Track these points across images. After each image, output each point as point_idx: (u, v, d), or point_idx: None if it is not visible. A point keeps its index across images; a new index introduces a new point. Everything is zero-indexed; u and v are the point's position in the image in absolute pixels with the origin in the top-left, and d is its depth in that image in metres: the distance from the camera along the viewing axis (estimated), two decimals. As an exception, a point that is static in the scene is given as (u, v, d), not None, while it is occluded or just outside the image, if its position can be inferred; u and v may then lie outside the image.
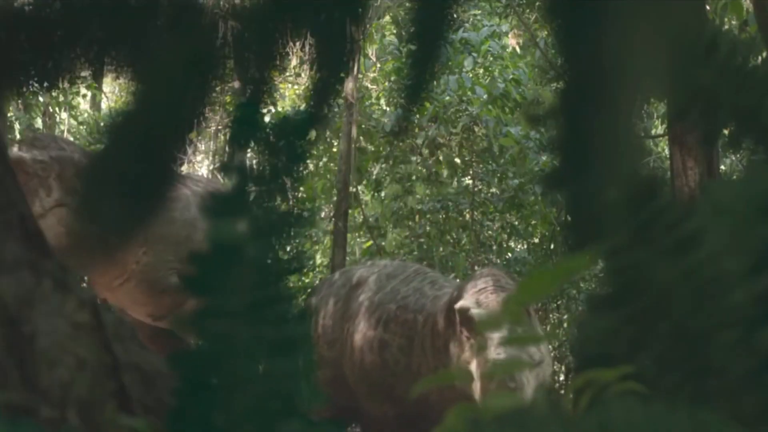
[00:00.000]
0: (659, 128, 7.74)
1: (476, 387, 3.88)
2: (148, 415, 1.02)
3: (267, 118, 1.13)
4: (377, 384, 4.46)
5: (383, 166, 8.51)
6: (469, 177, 8.40)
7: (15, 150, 4.73)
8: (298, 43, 1.45)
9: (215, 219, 0.99)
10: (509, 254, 8.29)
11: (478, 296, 4.06)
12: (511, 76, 8.28)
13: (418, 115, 7.77)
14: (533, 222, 8.20)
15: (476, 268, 7.93)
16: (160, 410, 1.02)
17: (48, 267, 1.08)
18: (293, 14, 1.39)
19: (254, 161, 1.01)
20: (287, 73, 9.09)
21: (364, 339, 4.51)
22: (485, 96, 8.10)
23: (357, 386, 4.56)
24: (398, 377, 4.31)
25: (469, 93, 8.11)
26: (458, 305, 4.00)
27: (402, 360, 4.31)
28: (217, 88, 1.39)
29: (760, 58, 1.26)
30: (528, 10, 8.24)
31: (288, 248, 1.01)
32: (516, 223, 8.35)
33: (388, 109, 8.60)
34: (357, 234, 9.03)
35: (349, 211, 7.71)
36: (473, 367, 3.89)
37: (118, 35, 1.39)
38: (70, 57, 1.38)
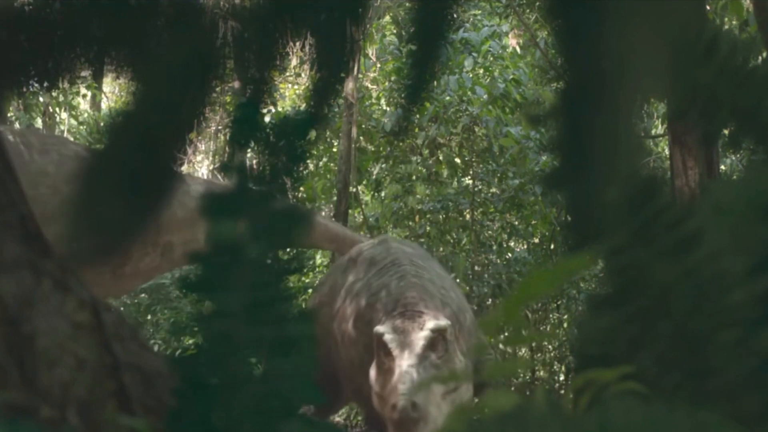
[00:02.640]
0: (659, 128, 7.74)
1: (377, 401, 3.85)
2: (148, 415, 1.02)
3: (267, 118, 1.13)
4: (351, 375, 4.36)
5: (383, 166, 8.51)
6: (469, 177, 8.40)
7: None
8: (298, 43, 1.45)
9: (215, 219, 0.99)
10: (509, 254, 8.28)
11: (394, 321, 4.01)
12: (511, 76, 8.28)
13: (418, 115, 7.77)
14: (533, 222, 8.19)
15: (476, 267, 7.94)
16: (160, 410, 1.02)
17: (48, 267, 1.08)
18: (293, 14, 1.39)
19: (254, 161, 1.02)
20: (287, 73, 9.10)
21: (349, 322, 4.40)
22: (485, 96, 8.10)
23: (342, 363, 4.47)
24: (365, 376, 4.09)
25: (469, 93, 8.11)
26: (375, 329, 3.99)
27: (367, 361, 4.12)
28: (217, 88, 1.39)
29: (760, 58, 1.26)
30: (528, 10, 8.24)
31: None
32: (516, 223, 8.35)
33: (388, 109, 8.60)
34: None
35: (349, 211, 7.71)
36: (390, 382, 3.83)
37: (118, 35, 1.39)
38: (70, 57, 1.38)
